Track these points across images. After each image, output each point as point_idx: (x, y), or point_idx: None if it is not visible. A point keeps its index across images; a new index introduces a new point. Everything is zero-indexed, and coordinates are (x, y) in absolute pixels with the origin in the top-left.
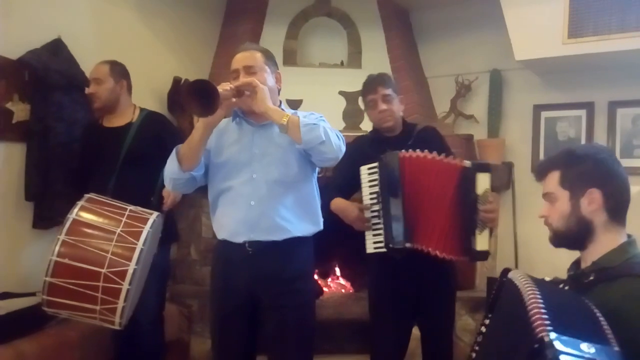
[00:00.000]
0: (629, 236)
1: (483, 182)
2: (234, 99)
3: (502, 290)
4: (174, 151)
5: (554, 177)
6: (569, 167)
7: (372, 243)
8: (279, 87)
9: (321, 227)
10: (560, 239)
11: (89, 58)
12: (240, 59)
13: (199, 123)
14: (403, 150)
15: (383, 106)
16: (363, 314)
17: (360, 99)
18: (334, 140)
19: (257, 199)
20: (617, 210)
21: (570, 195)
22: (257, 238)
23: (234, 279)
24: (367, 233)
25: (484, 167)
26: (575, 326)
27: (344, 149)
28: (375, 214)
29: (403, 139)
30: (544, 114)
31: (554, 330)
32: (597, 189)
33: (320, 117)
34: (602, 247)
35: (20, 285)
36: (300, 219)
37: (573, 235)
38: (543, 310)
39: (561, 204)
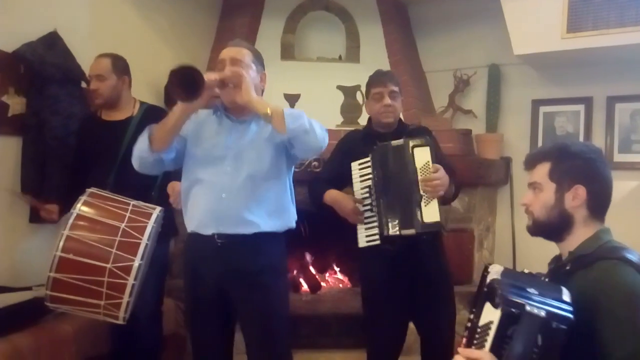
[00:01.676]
0: None
1: (422, 156)
2: (217, 89)
3: (482, 283)
4: (146, 129)
5: (544, 168)
6: (560, 161)
7: (365, 237)
8: (263, 88)
9: (293, 225)
10: (539, 229)
11: (85, 51)
12: (228, 52)
13: (176, 107)
14: (392, 142)
15: (389, 101)
16: (361, 308)
17: (358, 93)
18: (318, 130)
19: (229, 192)
20: (598, 208)
21: (556, 188)
22: (225, 231)
23: (204, 272)
24: (359, 227)
25: (419, 143)
26: (528, 284)
27: (327, 140)
28: (368, 207)
29: (395, 136)
30: (543, 109)
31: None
32: (584, 186)
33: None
34: (578, 239)
35: (16, 279)
36: (270, 215)
37: (552, 226)
38: (497, 275)
39: (546, 195)
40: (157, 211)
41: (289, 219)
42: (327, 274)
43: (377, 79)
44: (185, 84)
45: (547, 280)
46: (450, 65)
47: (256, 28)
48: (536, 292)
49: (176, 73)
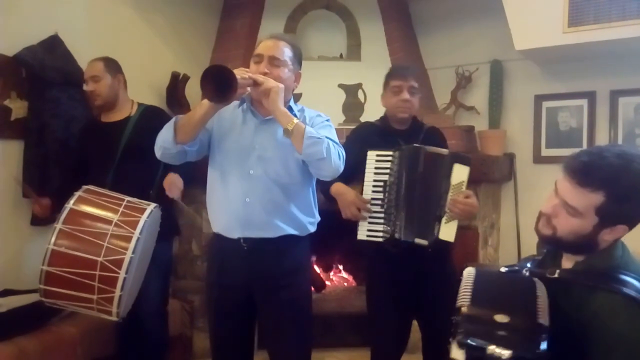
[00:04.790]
0: None
1: (460, 173)
2: (248, 89)
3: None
4: (172, 120)
5: (594, 199)
6: (617, 202)
7: (366, 230)
8: (295, 87)
9: (314, 229)
10: (557, 245)
11: (85, 54)
12: (267, 47)
13: (205, 100)
14: (428, 146)
15: (407, 96)
16: (365, 307)
17: (360, 92)
18: (334, 159)
19: (253, 196)
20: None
21: (598, 223)
22: (251, 235)
23: (230, 274)
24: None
25: (463, 159)
26: (499, 305)
27: (342, 168)
28: (378, 202)
29: (413, 134)
30: (545, 104)
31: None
32: (628, 226)
33: (327, 120)
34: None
35: (21, 282)
36: (295, 219)
37: (573, 247)
38: (467, 292)
39: (583, 223)
40: (151, 207)
41: (313, 222)
42: (331, 273)
43: (398, 72)
44: (216, 84)
45: (527, 274)
46: (452, 61)
47: (257, 28)
48: (505, 321)
49: (209, 73)
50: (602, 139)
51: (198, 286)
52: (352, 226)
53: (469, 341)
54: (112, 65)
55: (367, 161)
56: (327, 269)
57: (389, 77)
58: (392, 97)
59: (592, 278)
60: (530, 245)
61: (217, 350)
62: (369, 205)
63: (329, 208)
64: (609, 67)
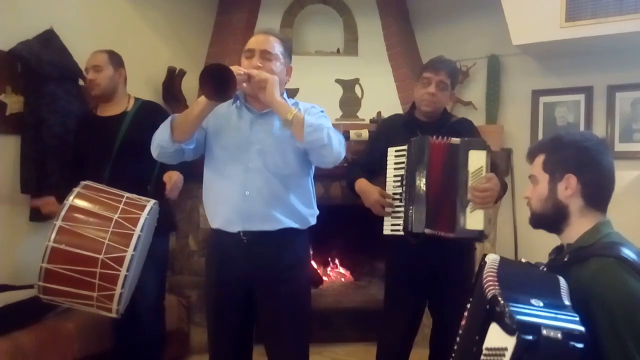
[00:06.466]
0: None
1: (476, 160)
2: (244, 84)
3: (479, 273)
4: (168, 119)
5: (539, 160)
6: (553, 152)
7: (390, 225)
8: (287, 81)
9: (314, 221)
10: (536, 221)
11: (81, 49)
12: (258, 42)
13: (201, 98)
14: (434, 137)
15: (433, 90)
16: (363, 302)
17: (357, 86)
18: (335, 145)
19: (252, 189)
20: (594, 197)
21: (549, 179)
22: (251, 228)
23: (230, 269)
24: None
25: (478, 144)
26: (529, 289)
27: (343, 154)
28: (398, 197)
29: (437, 126)
30: (543, 99)
31: (503, 291)
32: (574, 175)
33: (322, 111)
34: (577, 231)
35: (18, 277)
36: (294, 212)
37: (548, 218)
38: (493, 276)
39: (541, 186)
40: (151, 203)
41: (312, 215)
42: (328, 268)
43: (432, 64)
44: (215, 83)
45: (545, 269)
46: (450, 56)
47: (253, 23)
48: (541, 304)
49: (207, 72)
50: (599, 133)
51: (195, 281)
52: (350, 222)
53: (523, 319)
54: (115, 59)
55: (388, 158)
56: (324, 264)
57: (423, 68)
58: (420, 88)
59: (584, 251)
60: (527, 241)
61: (215, 345)
62: (391, 201)
63: (325, 202)
64: (606, 62)
